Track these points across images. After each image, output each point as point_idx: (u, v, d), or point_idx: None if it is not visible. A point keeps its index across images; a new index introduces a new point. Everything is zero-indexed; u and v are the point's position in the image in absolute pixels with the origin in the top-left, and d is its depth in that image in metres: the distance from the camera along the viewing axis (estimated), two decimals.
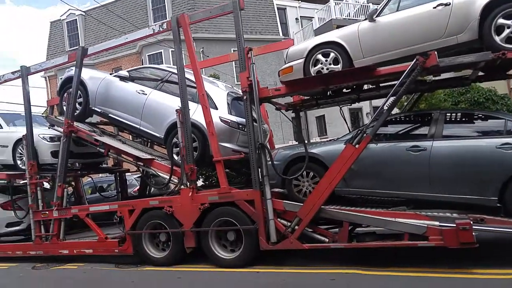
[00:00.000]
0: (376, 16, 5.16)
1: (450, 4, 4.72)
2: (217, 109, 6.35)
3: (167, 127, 6.49)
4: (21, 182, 8.39)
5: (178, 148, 6.29)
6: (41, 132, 7.69)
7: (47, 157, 7.60)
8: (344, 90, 6.27)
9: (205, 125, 6.09)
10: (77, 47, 19.89)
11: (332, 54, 5.38)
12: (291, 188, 5.68)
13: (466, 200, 4.84)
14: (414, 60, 4.53)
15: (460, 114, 5.26)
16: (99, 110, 7.22)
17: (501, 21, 4.44)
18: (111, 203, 6.89)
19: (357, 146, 4.90)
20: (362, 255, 5.59)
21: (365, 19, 5.29)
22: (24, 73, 7.41)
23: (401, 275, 4.64)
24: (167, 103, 6.53)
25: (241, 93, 5.79)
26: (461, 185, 4.78)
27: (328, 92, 6.13)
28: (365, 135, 4.86)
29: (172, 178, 6.31)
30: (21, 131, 7.81)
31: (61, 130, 7.29)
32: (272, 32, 19.89)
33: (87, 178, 10.63)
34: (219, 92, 6.65)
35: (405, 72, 4.60)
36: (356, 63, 5.25)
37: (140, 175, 10.19)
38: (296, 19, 20.22)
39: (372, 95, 6.42)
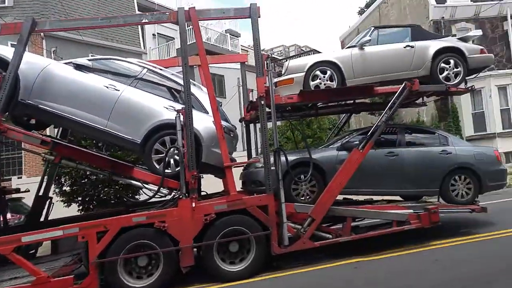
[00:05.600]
0: (364, 46, 6.62)
1: (414, 47, 6.71)
2: (207, 113, 6.23)
3: (147, 131, 5.79)
4: None
5: (159, 155, 5.78)
6: None
7: None
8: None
9: (198, 129, 5.89)
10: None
11: (329, 72, 6.44)
12: (290, 192, 6.22)
13: (420, 192, 6.81)
14: (403, 84, 6.14)
15: (414, 128, 7.33)
16: (35, 104, 5.55)
17: (443, 65, 6.70)
18: (66, 227, 5.31)
19: (361, 150, 6.04)
20: (347, 247, 6.53)
21: (355, 47, 6.69)
22: None
23: (394, 256, 5.95)
24: (148, 103, 5.87)
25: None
26: (419, 180, 6.68)
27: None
28: (369, 141, 6.07)
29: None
30: None
31: None
32: (133, 43, 19.06)
33: None
34: (205, 95, 6.52)
35: (397, 93, 6.15)
36: (348, 82, 6.48)
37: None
38: (153, 35, 19.90)
39: (327, 111, 7.84)
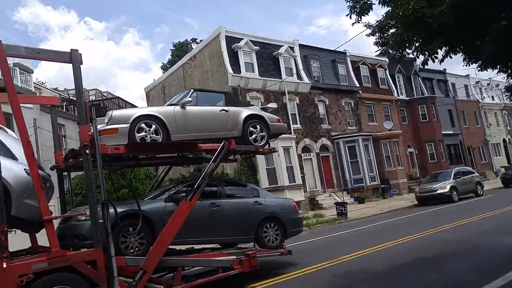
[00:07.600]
0: (186, 105, 7.45)
1: (228, 111, 7.99)
2: (17, 159, 5.72)
3: None
4: None
5: None
6: None
7: None
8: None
9: (7, 178, 5.33)
10: None
11: (154, 126, 6.86)
12: (119, 245, 6.20)
13: (239, 239, 7.88)
14: (223, 143, 7.17)
15: (231, 181, 8.43)
16: None
17: (251, 129, 8.19)
18: None
19: (189, 202, 6.62)
20: None
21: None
22: None
23: None
24: None
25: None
26: (238, 229, 7.74)
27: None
28: (196, 193, 6.69)
29: None
30: None
31: None
32: None
33: None
34: (13, 139, 5.91)
35: (218, 150, 7.12)
36: (173, 137, 7.05)
37: None
38: None
39: (149, 162, 8.25)
